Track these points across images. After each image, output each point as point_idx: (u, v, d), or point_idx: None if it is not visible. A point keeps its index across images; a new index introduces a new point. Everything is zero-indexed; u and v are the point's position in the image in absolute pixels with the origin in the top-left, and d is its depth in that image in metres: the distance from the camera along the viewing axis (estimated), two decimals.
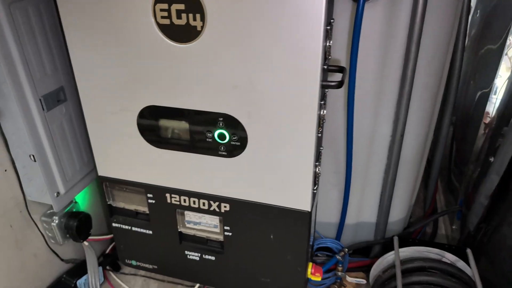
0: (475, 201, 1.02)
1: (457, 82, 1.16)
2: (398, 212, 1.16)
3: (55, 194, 0.95)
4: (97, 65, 0.78)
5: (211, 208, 0.88)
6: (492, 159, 0.96)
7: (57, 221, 1.02)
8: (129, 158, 0.87)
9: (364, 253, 1.20)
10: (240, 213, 0.86)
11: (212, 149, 0.80)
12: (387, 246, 1.21)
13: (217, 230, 0.91)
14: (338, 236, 1.15)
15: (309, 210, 0.81)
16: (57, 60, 0.90)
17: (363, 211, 1.14)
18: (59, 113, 0.92)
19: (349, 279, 1.06)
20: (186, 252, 0.96)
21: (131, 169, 0.89)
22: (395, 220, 1.16)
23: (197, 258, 0.96)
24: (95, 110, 0.84)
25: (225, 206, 0.87)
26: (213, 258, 0.94)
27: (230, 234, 0.90)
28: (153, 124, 0.82)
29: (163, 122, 0.81)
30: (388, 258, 0.98)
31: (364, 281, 1.07)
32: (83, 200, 1.12)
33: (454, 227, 1.25)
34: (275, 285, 0.92)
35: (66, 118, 0.94)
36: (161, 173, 0.87)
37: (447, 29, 0.92)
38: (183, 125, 0.80)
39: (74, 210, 1.07)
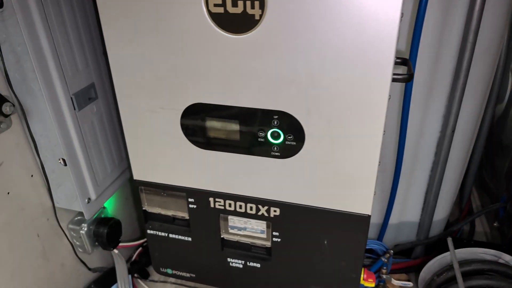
0: None
1: (502, 75, 1.11)
2: (441, 212, 1.11)
3: (86, 200, 0.89)
4: (138, 59, 0.71)
5: (259, 213, 0.82)
6: None
7: (86, 229, 0.95)
8: (170, 161, 0.81)
9: (405, 254, 1.15)
10: (292, 218, 0.80)
11: (264, 149, 0.74)
12: (429, 247, 1.16)
13: (264, 235, 0.85)
14: (381, 237, 1.09)
15: (370, 214, 0.75)
16: (88, 55, 0.83)
17: (406, 211, 1.09)
18: (90, 113, 0.85)
19: (395, 282, 1.01)
20: (229, 260, 0.90)
21: (171, 172, 0.82)
22: (437, 219, 1.11)
23: (241, 266, 0.90)
24: (133, 108, 0.77)
25: (274, 211, 0.81)
26: (258, 265, 0.88)
27: (279, 240, 0.84)
28: (199, 124, 0.75)
29: (211, 122, 0.74)
30: (441, 260, 0.93)
31: (410, 284, 1.01)
32: (111, 204, 1.05)
33: (495, 224, 1.19)
34: None
35: (97, 118, 0.88)
36: (205, 176, 0.81)
37: (503, 18, 0.87)
38: (233, 124, 0.73)
39: (103, 216, 1.00)
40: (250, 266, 0.89)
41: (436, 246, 1.19)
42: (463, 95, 0.88)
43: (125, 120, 0.79)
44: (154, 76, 0.72)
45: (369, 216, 0.75)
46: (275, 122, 0.71)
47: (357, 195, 0.73)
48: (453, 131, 0.93)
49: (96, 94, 0.86)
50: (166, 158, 0.81)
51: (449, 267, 0.89)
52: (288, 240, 0.83)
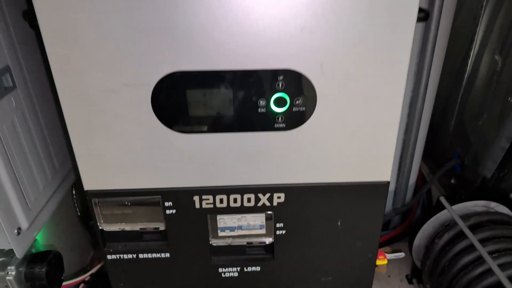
0: (493, 146, 0.98)
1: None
2: (412, 177, 1.08)
3: (16, 231, 0.64)
4: (86, 13, 0.51)
5: (259, 204, 0.67)
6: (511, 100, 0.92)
7: (14, 272, 0.69)
8: (137, 156, 0.61)
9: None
10: (299, 203, 0.67)
11: (265, 122, 0.60)
12: (405, 215, 1.13)
13: (263, 231, 0.71)
14: None
15: (389, 180, 0.66)
16: None
17: None
18: (8, 108, 0.61)
19: (387, 256, 0.94)
20: (220, 270, 0.73)
21: (140, 171, 0.63)
22: (409, 185, 1.09)
23: (236, 274, 0.74)
24: (80, 91, 0.56)
25: (278, 197, 0.67)
26: (258, 268, 0.73)
27: (283, 232, 0.70)
28: (178, 100, 0.58)
29: (194, 95, 0.58)
30: (435, 222, 0.89)
31: (402, 254, 0.96)
32: (41, 233, 0.80)
33: (452, 181, 1.22)
34: (339, 282, 0.76)
35: (17, 115, 0.63)
36: (187, 169, 0.63)
37: None
38: (225, 95, 0.58)
39: (34, 251, 0.75)
40: (248, 272, 0.74)
41: (407, 213, 1.18)
42: (434, 49, 0.85)
43: (68, 109, 0.58)
44: (113, 38, 0.53)
45: (388, 183, 0.66)
46: (280, 85, 0.57)
47: (377, 161, 0.64)
48: (425, 88, 0.90)
49: (14, 82, 0.62)
50: (132, 154, 0.61)
51: (448, 227, 0.85)
52: (294, 231, 0.70)
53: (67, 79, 0.55)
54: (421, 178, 1.31)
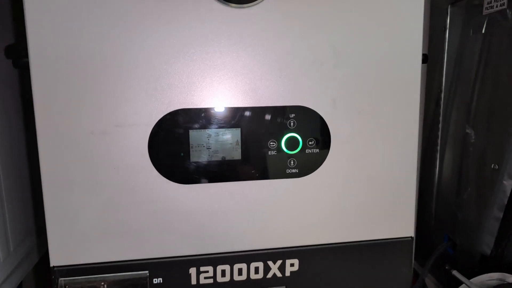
0: (487, 217, 0.95)
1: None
2: None
3: None
4: (78, 38, 0.47)
5: (268, 275, 0.56)
6: (495, 166, 0.93)
7: None
8: (123, 216, 0.51)
9: None
10: (315, 270, 0.57)
11: (276, 167, 0.53)
12: None
13: None
14: None
15: (413, 235, 0.58)
16: None
17: None
18: None
19: None
20: None
21: (124, 236, 0.51)
22: None
23: None
24: (63, 130, 0.48)
25: (291, 265, 0.56)
26: None
27: None
28: (179, 143, 0.51)
29: (197, 136, 0.51)
30: None
31: None
32: None
33: (447, 267, 1.14)
34: None
35: None
36: (184, 230, 0.52)
37: None
38: (231, 136, 0.52)
39: None
40: None
41: None
42: None
43: (45, 154, 0.48)
44: (111, 70, 0.48)
45: (412, 239, 0.58)
46: (291, 124, 0.53)
47: (398, 213, 0.57)
48: None
49: None
50: (118, 211, 0.51)
51: None
52: None
53: (50, 117, 0.48)
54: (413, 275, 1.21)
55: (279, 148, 0.53)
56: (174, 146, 0.51)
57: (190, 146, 0.51)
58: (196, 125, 0.51)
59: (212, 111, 0.51)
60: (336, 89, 0.53)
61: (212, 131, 0.51)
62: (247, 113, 0.52)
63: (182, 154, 0.51)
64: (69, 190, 0.49)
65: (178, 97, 0.50)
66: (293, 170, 0.53)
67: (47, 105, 0.47)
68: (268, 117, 0.52)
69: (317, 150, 0.54)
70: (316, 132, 0.53)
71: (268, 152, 0.53)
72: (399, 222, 0.58)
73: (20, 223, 0.61)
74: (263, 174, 0.53)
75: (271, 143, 0.53)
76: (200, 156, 0.51)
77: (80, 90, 0.48)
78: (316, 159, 0.54)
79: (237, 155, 0.52)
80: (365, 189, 0.56)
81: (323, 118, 0.53)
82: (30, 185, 0.67)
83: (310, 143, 0.53)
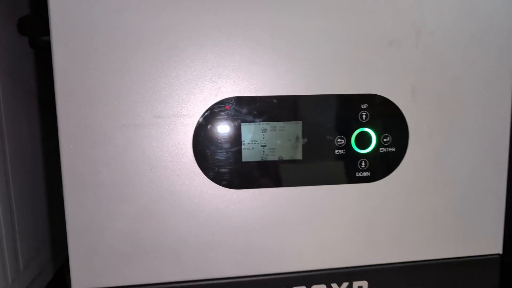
0: None
1: None
2: None
3: None
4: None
5: None
6: None
7: None
8: (158, 230, 0.41)
9: None
10: None
11: (344, 169, 0.44)
12: None
13: None
14: None
15: (500, 251, 0.49)
16: None
17: None
18: None
19: None
20: None
21: (160, 256, 0.42)
22: None
23: None
24: (89, 125, 0.39)
25: (359, 287, 0.46)
26: None
27: None
28: (230, 140, 0.42)
29: (250, 132, 0.42)
30: None
31: None
32: None
33: None
34: None
35: None
36: (229, 249, 0.43)
37: None
38: (291, 130, 0.43)
39: None
40: None
41: None
42: None
43: (67, 151, 0.39)
44: (150, 49, 0.39)
45: (499, 256, 0.49)
46: (363, 116, 0.43)
47: (484, 225, 0.48)
48: None
49: None
50: (153, 225, 0.41)
51: None
52: None
53: (73, 106, 0.39)
54: None
55: (348, 146, 0.44)
56: (223, 143, 0.42)
57: (242, 142, 0.42)
58: (249, 117, 0.42)
59: (268, 100, 0.42)
60: (416, 74, 0.44)
61: (267, 124, 0.42)
62: (311, 103, 0.42)
63: (232, 152, 0.42)
64: (96, 196, 0.40)
65: (228, 83, 0.41)
66: (364, 173, 0.44)
67: (71, 91, 0.39)
68: (335, 107, 0.43)
69: (393, 149, 0.44)
70: (392, 126, 0.44)
71: (335, 151, 0.43)
72: (485, 236, 0.48)
73: (32, 236, 0.52)
74: (327, 178, 0.44)
75: (339, 140, 0.43)
76: (253, 155, 0.42)
77: (110, 73, 0.39)
78: (391, 160, 0.45)
79: (297, 154, 0.43)
80: (446, 197, 0.46)
81: (400, 109, 0.44)
82: (44, 189, 0.58)
83: (384, 140, 0.44)
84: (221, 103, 0.41)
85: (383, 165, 0.45)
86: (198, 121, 0.41)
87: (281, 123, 0.42)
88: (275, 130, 0.42)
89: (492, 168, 0.47)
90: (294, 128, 0.43)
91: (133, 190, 0.41)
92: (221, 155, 0.42)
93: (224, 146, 0.42)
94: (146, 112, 0.40)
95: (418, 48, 0.43)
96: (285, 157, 0.43)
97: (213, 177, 0.42)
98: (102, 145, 0.40)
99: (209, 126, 0.41)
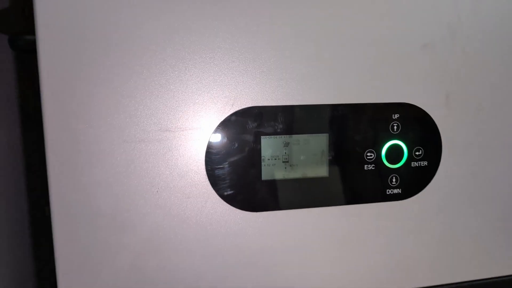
0: None
1: None
2: None
3: None
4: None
5: None
6: None
7: None
8: (164, 264, 0.36)
9: None
10: None
11: (374, 186, 0.39)
12: None
13: None
14: None
15: None
16: None
17: None
18: None
19: None
20: None
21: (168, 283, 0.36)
22: None
23: None
24: (85, 137, 0.33)
25: None
26: None
27: None
28: (247, 154, 0.36)
29: (271, 146, 0.37)
30: None
31: None
32: None
33: None
34: None
35: None
36: (247, 280, 0.37)
37: None
38: (316, 144, 0.38)
39: None
40: None
41: None
42: None
43: (56, 173, 0.33)
44: (154, 51, 0.33)
45: None
46: (394, 127, 0.39)
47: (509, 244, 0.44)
48: None
49: None
50: (158, 258, 0.35)
51: None
52: None
53: (62, 118, 0.32)
54: None
55: (378, 161, 0.39)
56: (241, 159, 0.36)
57: (262, 158, 0.37)
58: (270, 129, 0.36)
59: (291, 110, 0.37)
60: (451, 81, 0.40)
61: (290, 137, 0.37)
62: (338, 113, 0.38)
63: (251, 169, 0.36)
64: (91, 226, 0.34)
65: (246, 91, 0.35)
66: (395, 191, 0.40)
67: (60, 100, 0.32)
68: (365, 118, 0.38)
69: (425, 163, 0.40)
70: (424, 138, 0.40)
71: (364, 167, 0.39)
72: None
73: (12, 268, 0.45)
74: (356, 196, 0.39)
75: (368, 154, 0.39)
76: (274, 173, 0.37)
77: (108, 79, 0.33)
78: (423, 175, 0.40)
79: (322, 171, 0.38)
80: (483, 214, 0.42)
81: (433, 120, 0.40)
82: (27, 210, 0.51)
83: (416, 153, 0.40)
84: (238, 114, 0.35)
85: (415, 180, 0.40)
86: (211, 135, 0.35)
87: (305, 136, 0.37)
88: (299, 144, 0.37)
89: None
90: (319, 141, 0.38)
91: (136, 217, 0.34)
92: (238, 173, 0.36)
93: (242, 162, 0.36)
94: (151, 125, 0.34)
95: (453, 52, 0.39)
96: (310, 174, 0.38)
97: (229, 198, 0.36)
98: (98, 164, 0.33)
99: (224, 141, 0.35)
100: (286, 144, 0.37)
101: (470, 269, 0.43)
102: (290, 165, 0.37)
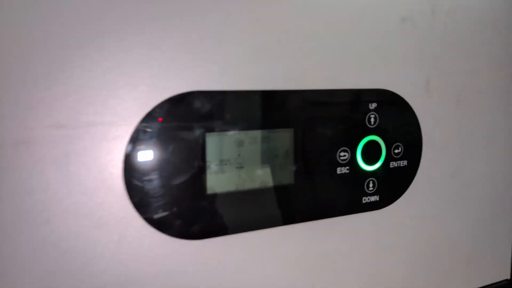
0: None
1: None
2: None
3: None
4: None
5: None
6: None
7: None
8: None
9: None
10: None
11: (348, 194, 0.31)
12: None
13: None
14: None
15: (509, 277, 0.41)
16: None
17: None
18: None
19: None
20: None
21: None
22: None
23: None
24: None
25: None
26: None
27: None
28: (186, 157, 0.26)
29: (219, 145, 0.27)
30: None
31: None
32: None
33: None
34: None
35: None
36: None
37: None
38: (278, 143, 0.28)
39: None
40: None
41: None
42: None
43: None
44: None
45: (508, 281, 0.41)
46: (371, 120, 0.31)
47: (494, 249, 0.39)
48: None
49: None
50: None
51: None
52: None
53: None
54: None
55: (353, 162, 0.31)
56: (176, 166, 0.25)
57: (207, 164, 0.26)
58: (218, 123, 0.26)
59: (245, 98, 0.27)
60: (432, 63, 0.33)
61: (245, 134, 0.27)
62: (305, 102, 0.29)
63: (191, 180, 0.26)
64: None
65: (184, 74, 0.25)
66: (372, 198, 0.32)
67: None
68: (337, 108, 0.30)
69: (405, 163, 0.33)
70: (403, 133, 0.33)
71: (337, 170, 0.30)
72: (495, 262, 0.40)
73: None
74: (327, 209, 0.30)
75: (342, 154, 0.30)
76: (223, 183, 0.27)
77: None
78: (402, 177, 0.33)
79: (287, 177, 0.29)
80: (463, 222, 0.37)
81: (413, 110, 0.33)
82: None
83: (395, 151, 0.32)
84: (173, 102, 0.25)
85: (393, 185, 0.33)
86: (133, 133, 0.24)
87: (265, 132, 0.28)
88: (256, 142, 0.28)
89: (505, 183, 0.38)
90: (282, 138, 0.28)
91: (15, 259, 0.22)
92: (173, 186, 0.25)
93: (178, 171, 0.25)
94: (39, 119, 0.22)
95: (434, 28, 0.32)
96: (270, 183, 0.28)
97: (160, 223, 0.25)
98: None
99: (151, 141, 0.24)
100: (240, 143, 0.27)
101: (453, 282, 0.37)
102: (246, 172, 0.27)
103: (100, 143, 0.23)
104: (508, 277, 0.41)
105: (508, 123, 0.37)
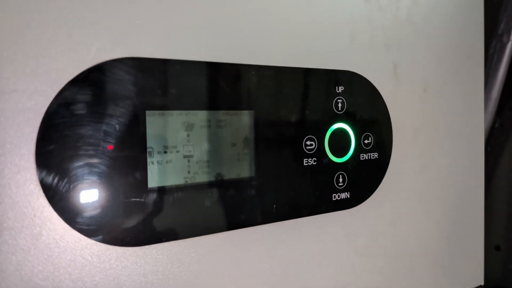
0: None
1: None
2: None
3: None
4: None
5: None
6: None
7: None
8: None
9: None
10: None
11: (316, 190, 0.27)
12: None
13: None
14: None
15: (482, 283, 0.39)
16: None
17: None
18: None
19: None
20: None
21: None
22: None
23: None
24: None
25: None
26: None
27: None
28: (121, 146, 0.20)
29: (163, 129, 0.22)
30: None
31: None
32: None
33: None
34: None
35: None
36: None
37: None
38: (235, 127, 0.24)
39: None
40: None
41: None
42: None
43: None
44: None
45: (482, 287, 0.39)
46: (339, 105, 0.28)
47: (466, 252, 0.37)
48: None
49: None
50: None
51: None
52: None
53: None
54: None
55: (320, 152, 0.27)
56: (110, 154, 0.20)
57: (148, 151, 0.21)
58: (161, 100, 0.21)
59: (195, 69, 0.22)
60: (398, 47, 0.30)
61: (196, 115, 0.22)
62: (266, 80, 0.25)
63: (129, 172, 0.20)
64: None
65: (118, 36, 0.20)
66: (343, 195, 0.28)
67: None
68: (303, 89, 0.26)
69: (376, 155, 0.30)
70: (373, 122, 0.29)
71: (303, 161, 0.26)
72: (467, 266, 0.37)
73: None
74: (292, 208, 0.26)
75: (308, 143, 0.26)
76: (168, 176, 0.22)
77: None
78: (374, 171, 0.30)
79: (246, 169, 0.24)
80: (435, 221, 0.34)
81: (382, 97, 0.30)
82: None
83: (365, 141, 0.29)
84: (102, 71, 0.20)
85: (365, 180, 0.29)
86: (50, 107, 0.18)
87: (219, 114, 0.23)
88: (209, 126, 0.23)
89: (470, 178, 0.36)
90: (240, 121, 0.24)
91: None
92: (104, 181, 0.20)
93: (112, 161, 0.20)
94: None
95: (399, 11, 0.30)
96: (227, 176, 0.24)
97: (88, 226, 0.19)
98: None
99: (74, 120, 0.19)
100: (189, 127, 0.22)
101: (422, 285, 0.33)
102: (196, 162, 0.23)
103: (7, 119, 0.18)
104: (482, 283, 0.39)
105: (472, 118, 0.36)
